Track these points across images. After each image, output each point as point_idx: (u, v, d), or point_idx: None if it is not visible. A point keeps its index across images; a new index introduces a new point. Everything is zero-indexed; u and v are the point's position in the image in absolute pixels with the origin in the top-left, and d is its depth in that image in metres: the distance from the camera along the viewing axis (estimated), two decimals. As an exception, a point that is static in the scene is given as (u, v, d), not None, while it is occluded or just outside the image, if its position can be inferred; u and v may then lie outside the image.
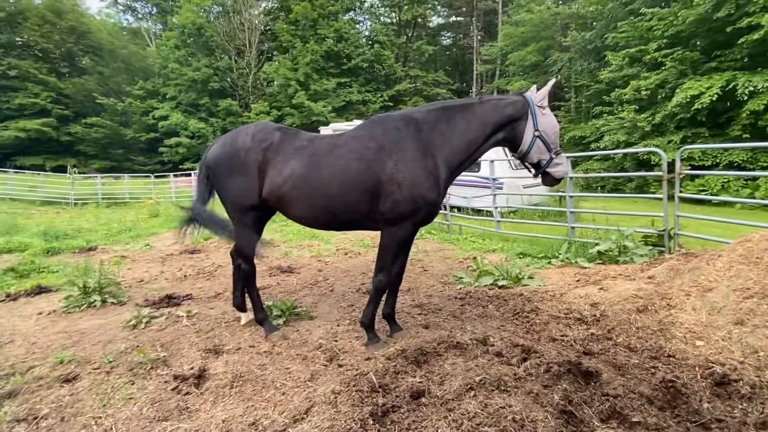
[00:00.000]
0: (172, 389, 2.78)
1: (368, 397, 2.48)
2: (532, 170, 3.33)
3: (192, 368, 3.02)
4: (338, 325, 3.80)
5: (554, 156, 3.19)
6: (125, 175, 23.52)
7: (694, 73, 17.12)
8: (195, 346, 3.42)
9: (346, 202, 3.15)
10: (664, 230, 5.64)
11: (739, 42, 15.27)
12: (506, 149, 3.61)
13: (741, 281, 3.32)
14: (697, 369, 2.74)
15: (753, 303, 3.12)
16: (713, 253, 3.91)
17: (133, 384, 2.88)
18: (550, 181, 3.29)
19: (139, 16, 47.71)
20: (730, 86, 15.12)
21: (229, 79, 37.21)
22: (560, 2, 30.36)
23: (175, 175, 23.41)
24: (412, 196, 3.03)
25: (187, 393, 2.75)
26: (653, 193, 15.58)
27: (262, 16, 39.80)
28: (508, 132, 3.21)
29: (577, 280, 4.73)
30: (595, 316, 3.65)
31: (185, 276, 5.91)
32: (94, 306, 4.57)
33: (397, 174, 3.03)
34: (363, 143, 3.18)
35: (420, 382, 2.62)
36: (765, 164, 14.80)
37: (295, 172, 3.21)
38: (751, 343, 2.88)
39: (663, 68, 17.77)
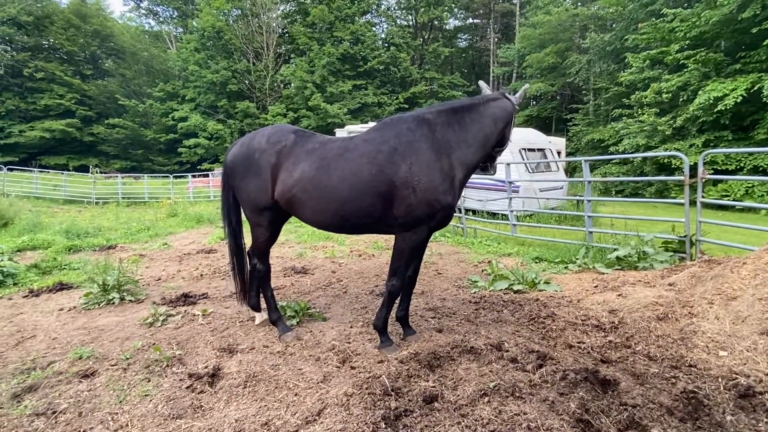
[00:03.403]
0: (187, 387, 2.81)
1: (381, 401, 2.47)
2: (491, 169, 3.52)
3: (206, 367, 3.05)
4: (351, 327, 3.80)
5: None
6: (145, 174, 23.99)
7: (717, 75, 16.70)
8: (210, 344, 3.46)
9: (358, 206, 3.09)
10: (685, 236, 5.50)
11: (765, 43, 14.83)
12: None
13: (767, 290, 3.21)
14: (720, 380, 2.65)
15: (780, 313, 3.01)
16: (737, 261, 3.80)
17: (148, 381, 2.92)
18: (493, 170, 3.57)
19: (161, 19, 48.75)
20: (755, 88, 14.69)
21: (247, 81, 37.73)
22: (579, 4, 29.99)
23: (194, 176, 23.79)
24: (428, 200, 2.96)
25: (201, 391, 2.77)
26: (674, 198, 15.24)
27: (279, 19, 40.23)
28: (505, 132, 3.38)
29: (595, 286, 4.64)
30: (613, 323, 3.58)
31: (201, 275, 5.99)
32: (113, 303, 4.66)
33: (411, 178, 2.95)
34: (375, 146, 3.11)
35: (433, 387, 2.60)
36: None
37: (304, 175, 3.20)
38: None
39: (685, 70, 17.37)
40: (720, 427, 2.24)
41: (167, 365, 3.11)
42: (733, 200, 13.66)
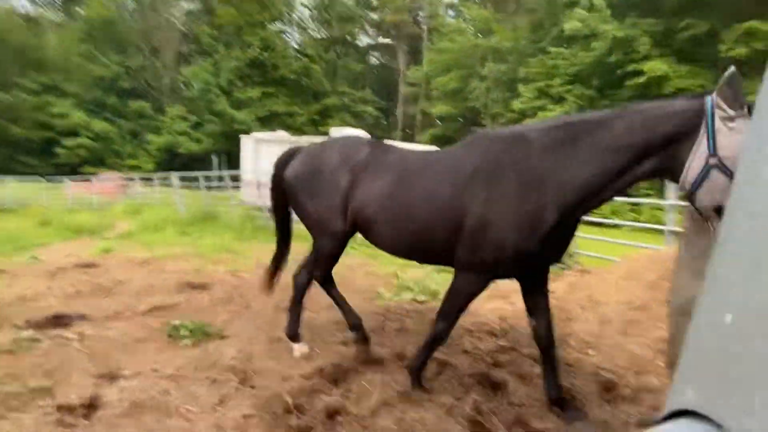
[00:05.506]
0: (56, 422, 2.45)
1: (281, 420, 2.40)
2: (711, 225, 2.03)
3: (81, 397, 2.69)
4: (253, 345, 3.62)
5: None
6: (8, 177, 20.69)
7: (591, 108, 19.32)
8: (86, 372, 3.06)
9: (435, 230, 2.61)
10: (564, 249, 6.20)
11: (626, 84, 17.57)
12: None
13: (625, 296, 3.75)
14: (589, 376, 3.01)
15: (635, 315, 3.53)
16: (604, 271, 4.38)
17: (4, 419, 2.49)
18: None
19: (38, 3, 42.89)
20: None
21: (142, 79, 34.74)
22: (479, 35, 32.68)
23: (72, 180, 21.07)
24: (496, 242, 2.36)
25: (73, 425, 2.44)
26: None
27: (183, 16, 37.84)
28: (663, 158, 2.07)
29: (488, 295, 4.98)
30: (503, 329, 3.89)
31: (78, 293, 5.29)
32: (-42, 329, 3.91)
33: (484, 210, 2.38)
34: (457, 165, 2.61)
35: (336, 401, 2.59)
36: (646, 192, 16.99)
37: (383, 191, 2.79)
38: (633, 351, 3.25)
39: (565, 102, 19.84)
40: (588, 418, 2.54)
41: (30, 398, 2.69)
42: (603, 218, 15.73)
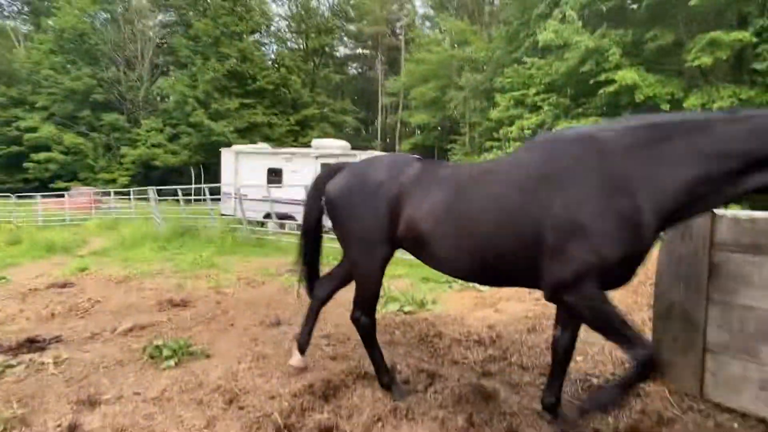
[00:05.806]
0: (31, 454, 2.34)
1: (272, 440, 2.34)
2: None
3: (59, 425, 2.58)
4: (239, 363, 3.54)
5: None
6: (-25, 194, 19.88)
7: (566, 116, 19.82)
8: (64, 398, 2.93)
9: (500, 247, 2.37)
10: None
11: (599, 93, 18.08)
12: None
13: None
14: (577, 383, 3.05)
15: (618, 319, 3.59)
16: (587, 276, 4.45)
17: (-25, 453, 2.36)
18: None
19: (6, 14, 41.74)
20: (594, 129, 17.78)
21: (116, 91, 34.02)
22: (456, 45, 33.21)
23: (43, 196, 20.36)
24: (596, 249, 2.12)
25: (52, 457, 2.33)
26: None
27: (158, 28, 37.38)
28: None
29: (475, 304, 5.04)
30: (492, 337, 3.91)
31: (53, 314, 5.09)
32: (-77, 357, 3.70)
33: (569, 217, 2.16)
34: (522, 171, 2.40)
35: (328, 418, 2.56)
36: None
37: (437, 205, 2.56)
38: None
39: (541, 111, 20.30)
40: (579, 425, 2.56)
41: (4, 428, 2.56)
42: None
